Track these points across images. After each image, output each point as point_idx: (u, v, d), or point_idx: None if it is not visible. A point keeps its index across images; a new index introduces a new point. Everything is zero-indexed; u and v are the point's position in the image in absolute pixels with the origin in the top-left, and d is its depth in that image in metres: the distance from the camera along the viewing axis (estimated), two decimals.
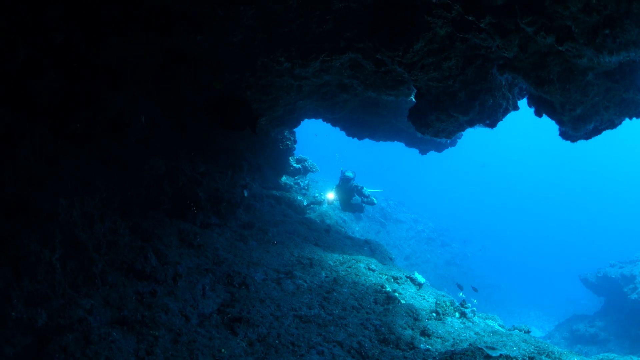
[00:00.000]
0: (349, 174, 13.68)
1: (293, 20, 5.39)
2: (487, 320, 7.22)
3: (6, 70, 4.66)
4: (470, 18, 4.44)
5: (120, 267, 4.55)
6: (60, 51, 5.06)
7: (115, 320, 3.89)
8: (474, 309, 7.01)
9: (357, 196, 14.25)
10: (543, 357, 4.52)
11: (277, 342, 4.42)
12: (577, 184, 72.93)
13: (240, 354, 3.99)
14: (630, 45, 3.79)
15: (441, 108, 5.98)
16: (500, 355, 4.35)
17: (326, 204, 14.92)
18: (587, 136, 5.48)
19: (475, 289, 10.09)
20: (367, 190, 14.17)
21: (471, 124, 6.15)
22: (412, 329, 5.51)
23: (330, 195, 13.99)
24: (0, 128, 4.49)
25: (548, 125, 5.76)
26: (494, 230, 49.44)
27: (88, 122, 5.90)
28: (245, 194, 8.81)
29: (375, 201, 14.61)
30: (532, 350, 5.06)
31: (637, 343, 16.54)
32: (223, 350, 3.92)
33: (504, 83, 5.84)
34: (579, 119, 5.15)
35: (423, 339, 5.34)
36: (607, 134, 5.58)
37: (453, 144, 11.82)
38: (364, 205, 14.46)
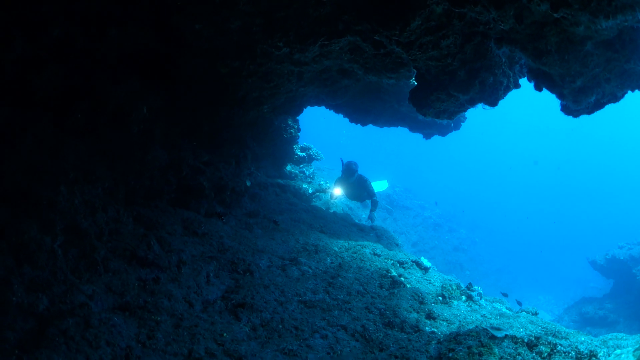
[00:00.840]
0: (352, 166, 12.14)
1: (290, 4, 5.35)
2: (494, 304, 7.19)
3: (4, 63, 4.66)
4: None
5: (122, 254, 4.56)
6: (59, 45, 5.05)
7: (117, 306, 3.90)
8: (481, 292, 6.99)
9: (362, 192, 12.84)
10: (550, 337, 4.49)
11: (280, 326, 4.42)
12: (586, 166, 72.61)
13: (243, 338, 4.00)
14: (627, 8, 3.70)
15: (441, 88, 5.93)
16: (506, 335, 4.33)
17: (330, 195, 13.48)
18: (589, 110, 5.40)
19: (505, 295, 10.24)
20: (373, 188, 12.81)
21: (472, 103, 6.09)
22: (418, 312, 5.50)
23: (337, 192, 12.56)
24: (1, 120, 4.50)
25: (554, 105, 5.71)
26: (502, 214, 49.36)
27: (89, 114, 5.90)
28: (248, 184, 8.81)
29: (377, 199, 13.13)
30: (539, 331, 5.03)
31: None
32: (225, 334, 3.92)
33: (504, 60, 5.77)
34: (580, 92, 5.07)
35: (428, 322, 5.33)
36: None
37: (457, 127, 11.77)
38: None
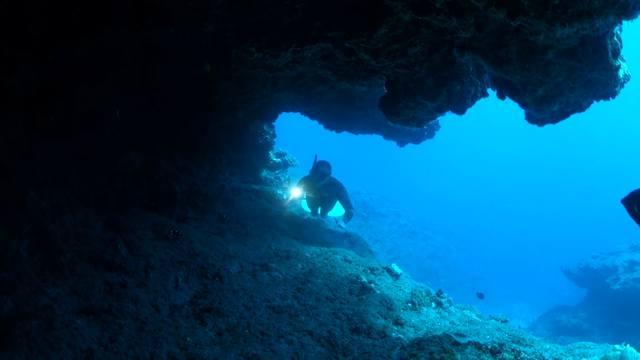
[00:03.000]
0: (324, 168, 10.32)
1: (263, 10, 5.39)
2: (464, 311, 7.26)
3: None
4: None
5: (89, 257, 4.54)
6: (34, 46, 5.04)
7: (81, 309, 3.88)
8: (450, 299, 7.06)
9: (331, 201, 10.99)
10: (514, 344, 4.54)
11: (246, 331, 4.42)
12: (560, 177, 73.56)
13: (207, 342, 3.99)
14: (583, 15, 3.78)
15: (409, 95, 6.01)
16: (469, 342, 4.37)
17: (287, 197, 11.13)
18: (554, 119, 5.51)
19: (481, 296, 10.44)
20: (349, 199, 10.86)
21: (440, 110, 6.18)
22: (385, 319, 5.53)
23: (295, 193, 10.63)
24: None
25: (521, 113, 5.81)
26: (477, 223, 49.75)
27: (62, 116, 5.88)
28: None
29: (344, 226, 10.83)
30: (505, 337, 5.10)
31: (620, 334, 16.73)
32: (189, 338, 3.92)
33: (472, 69, 5.88)
34: (542, 100, 5.16)
35: (395, 327, 5.37)
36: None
37: (430, 135, 11.88)
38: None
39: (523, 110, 5.78)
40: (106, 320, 3.79)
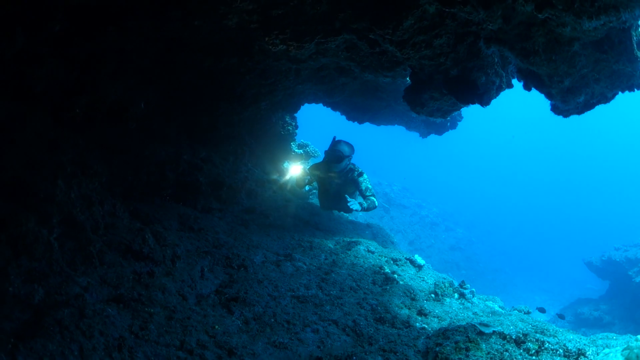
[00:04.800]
0: (344, 147, 8.63)
1: (287, 2, 5.41)
2: (487, 302, 7.25)
3: (5, 58, 4.72)
4: None
5: (118, 247, 4.63)
6: (58, 40, 5.11)
7: (111, 298, 3.97)
8: (473, 290, 7.05)
9: (347, 192, 9.07)
10: (538, 334, 4.54)
11: (272, 320, 4.48)
12: (584, 167, 72.77)
13: (234, 330, 4.06)
14: (610, 8, 3.76)
15: (434, 86, 6.03)
16: (494, 331, 4.39)
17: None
18: (579, 111, 5.48)
19: (542, 310, 9.55)
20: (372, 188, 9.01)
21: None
22: (409, 309, 5.56)
23: (296, 170, 9.14)
24: (2, 115, 4.56)
25: (547, 104, 5.78)
26: (500, 214, 49.48)
27: (88, 109, 5.97)
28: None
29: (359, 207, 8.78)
30: (528, 328, 5.09)
31: None
32: (217, 327, 3.99)
33: (496, 60, 5.86)
34: (568, 92, 5.15)
35: (419, 318, 5.39)
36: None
37: (453, 126, 11.82)
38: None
39: (545, 102, 5.75)
40: (136, 308, 3.87)
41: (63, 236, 4.13)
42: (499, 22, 4.62)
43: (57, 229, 4.07)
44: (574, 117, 5.81)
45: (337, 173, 8.81)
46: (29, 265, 3.66)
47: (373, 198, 8.83)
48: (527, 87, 5.57)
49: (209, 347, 3.61)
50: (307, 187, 8.80)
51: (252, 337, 4.06)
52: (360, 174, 8.94)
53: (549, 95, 5.36)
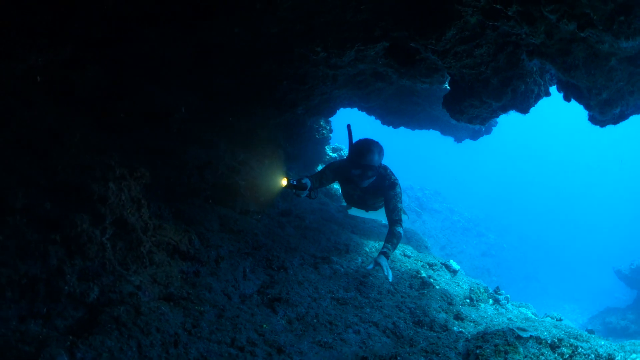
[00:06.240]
0: (374, 157, 6.25)
1: (329, 10, 5.53)
2: (520, 308, 7.29)
3: (53, 65, 4.91)
4: (498, 6, 4.59)
5: (166, 248, 4.78)
6: (100, 46, 5.29)
7: (162, 297, 4.12)
8: (508, 296, 7.08)
9: (378, 201, 7.20)
10: (572, 339, 4.61)
11: (315, 321, 4.60)
12: (615, 175, 71.55)
13: (280, 329, 4.20)
14: None
15: (474, 94, 6.13)
16: (531, 336, 4.47)
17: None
18: (615, 121, 5.61)
19: (591, 332, 9.41)
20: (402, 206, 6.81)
21: (504, 110, 6.28)
22: (446, 313, 5.64)
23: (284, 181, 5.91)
24: (49, 120, 4.75)
25: (582, 114, 5.85)
26: (531, 220, 48.82)
27: (131, 113, 6.16)
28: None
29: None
30: (562, 334, 5.15)
31: None
32: (264, 325, 4.11)
33: (535, 69, 5.97)
34: (605, 104, 5.30)
35: (456, 322, 5.47)
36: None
37: (488, 131, 11.82)
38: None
39: (579, 110, 5.85)
40: (186, 307, 4.01)
41: (114, 237, 4.28)
42: (541, 37, 4.77)
43: (109, 230, 4.23)
44: (608, 127, 5.90)
45: (359, 174, 6.49)
46: (82, 264, 3.81)
47: (400, 228, 6.48)
48: (567, 98, 5.69)
49: (259, 345, 3.73)
50: (304, 193, 6.18)
51: (298, 336, 4.19)
52: (392, 186, 6.69)
53: (587, 107, 5.48)
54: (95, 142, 5.27)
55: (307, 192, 6.12)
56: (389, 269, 5.86)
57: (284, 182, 5.91)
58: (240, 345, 3.65)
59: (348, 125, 6.72)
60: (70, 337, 3.09)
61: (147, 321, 3.43)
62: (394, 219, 6.53)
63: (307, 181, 6.10)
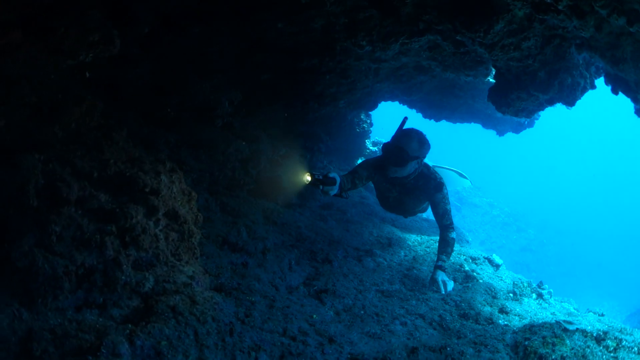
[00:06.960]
0: (412, 143, 5.73)
1: (373, 4, 5.55)
2: (562, 303, 7.21)
3: (102, 61, 5.03)
4: (548, 1, 4.56)
5: (215, 240, 4.91)
6: (147, 42, 5.40)
7: (213, 287, 4.23)
8: (551, 290, 7.03)
9: (420, 204, 6.64)
10: (616, 332, 4.64)
11: (362, 312, 4.67)
12: None
13: (329, 320, 4.27)
14: None
15: (522, 87, 6.09)
16: (577, 329, 4.52)
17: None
18: None
19: None
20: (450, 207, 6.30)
21: (551, 102, 6.23)
22: (491, 306, 5.63)
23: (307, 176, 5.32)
24: (98, 116, 4.87)
25: (623, 106, 5.79)
26: (572, 215, 47.95)
27: (177, 108, 6.27)
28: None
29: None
30: (605, 328, 5.16)
31: None
32: (314, 316, 4.20)
33: (581, 62, 5.93)
34: None
35: (501, 315, 5.46)
36: None
37: (531, 124, 11.64)
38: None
39: (624, 103, 5.78)
40: (238, 297, 4.11)
41: (167, 228, 4.39)
42: (591, 31, 4.75)
43: (162, 222, 4.33)
44: None
45: (398, 179, 6.00)
46: (137, 255, 3.92)
47: (453, 234, 6.12)
48: (614, 92, 5.63)
49: (310, 334, 3.82)
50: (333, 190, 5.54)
51: (347, 327, 4.26)
52: (439, 187, 6.07)
53: (635, 100, 5.42)
54: (142, 137, 5.40)
55: (336, 189, 5.43)
56: (446, 283, 5.73)
57: (307, 177, 5.33)
58: (292, 334, 3.73)
59: (405, 117, 6.17)
60: (130, 326, 3.18)
61: (202, 310, 3.52)
62: (445, 224, 6.14)
63: (334, 175, 5.41)
